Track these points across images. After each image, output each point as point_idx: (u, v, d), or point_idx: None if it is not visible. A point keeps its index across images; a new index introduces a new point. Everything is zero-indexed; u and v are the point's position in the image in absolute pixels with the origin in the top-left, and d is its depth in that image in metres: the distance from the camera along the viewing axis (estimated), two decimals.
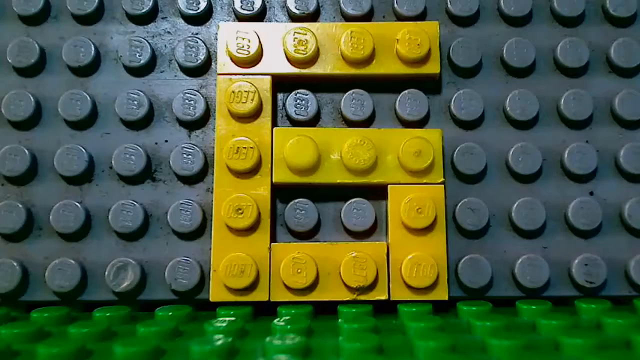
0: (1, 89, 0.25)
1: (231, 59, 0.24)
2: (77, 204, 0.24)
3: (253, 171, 0.24)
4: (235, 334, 0.20)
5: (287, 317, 0.22)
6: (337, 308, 0.23)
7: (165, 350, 0.19)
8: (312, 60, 0.24)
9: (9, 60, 0.25)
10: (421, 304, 0.23)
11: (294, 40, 0.24)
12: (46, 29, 0.25)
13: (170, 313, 0.23)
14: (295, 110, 0.25)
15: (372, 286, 0.23)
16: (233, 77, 0.24)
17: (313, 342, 0.20)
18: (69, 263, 0.23)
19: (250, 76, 0.24)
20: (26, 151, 0.24)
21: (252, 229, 0.23)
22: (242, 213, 0.23)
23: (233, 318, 0.22)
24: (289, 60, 0.24)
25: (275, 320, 0.21)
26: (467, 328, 0.21)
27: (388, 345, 0.19)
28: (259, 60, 0.24)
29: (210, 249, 0.23)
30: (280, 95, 0.25)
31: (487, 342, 0.19)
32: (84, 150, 0.24)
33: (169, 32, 0.26)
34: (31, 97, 0.24)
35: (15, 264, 0.24)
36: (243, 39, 0.24)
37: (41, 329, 0.21)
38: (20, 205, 0.24)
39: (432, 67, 0.24)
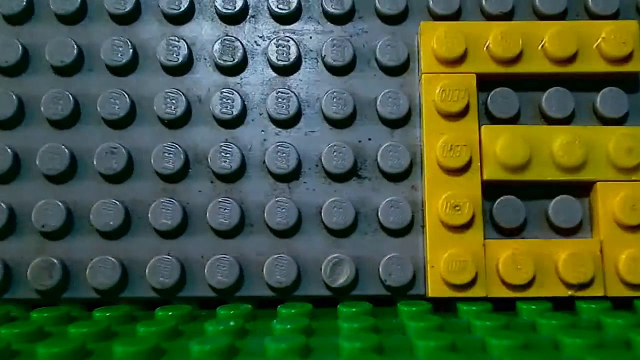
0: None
1: (436, 57, 0.24)
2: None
3: (464, 169, 0.24)
4: (235, 334, 0.20)
5: (287, 317, 0.22)
6: (337, 307, 0.23)
7: (165, 350, 0.19)
8: (516, 58, 0.24)
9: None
10: (421, 303, 0.23)
11: (499, 39, 0.24)
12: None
13: (170, 313, 0.23)
14: (497, 108, 0.25)
15: (589, 283, 0.23)
16: (438, 75, 0.24)
17: (313, 342, 0.20)
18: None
19: (456, 74, 0.24)
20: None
21: (467, 225, 0.23)
22: (459, 210, 0.23)
23: (233, 318, 0.22)
24: (493, 58, 0.24)
25: (275, 320, 0.21)
26: (467, 327, 0.21)
27: (388, 345, 0.19)
28: (464, 59, 0.25)
29: (419, 245, 0.24)
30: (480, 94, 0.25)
31: (487, 342, 0.19)
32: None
33: (366, 32, 0.26)
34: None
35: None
36: (449, 38, 0.24)
37: (41, 328, 0.21)
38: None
39: (635, 65, 0.25)
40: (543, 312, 0.22)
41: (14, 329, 0.20)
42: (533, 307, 0.23)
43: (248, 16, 0.26)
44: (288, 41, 0.25)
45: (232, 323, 0.21)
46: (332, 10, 0.26)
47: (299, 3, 0.26)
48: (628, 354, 0.19)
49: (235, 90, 0.25)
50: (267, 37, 0.26)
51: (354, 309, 0.23)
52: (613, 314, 0.21)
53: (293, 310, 0.23)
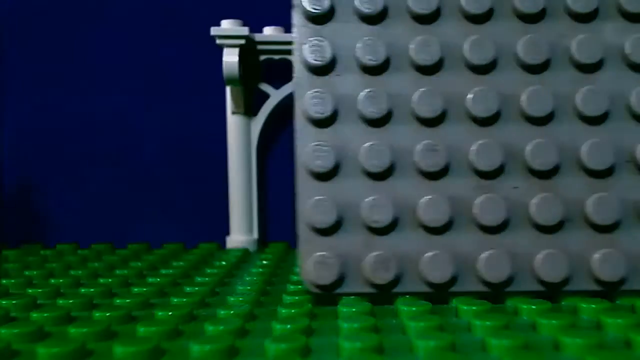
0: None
1: None
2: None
3: None
4: (235, 334, 0.20)
5: (287, 317, 0.22)
6: (337, 307, 0.23)
7: (165, 350, 0.19)
8: None
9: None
10: (421, 303, 0.23)
11: None
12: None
13: (170, 313, 0.23)
14: None
15: None
16: None
17: (313, 341, 0.20)
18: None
19: None
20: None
21: None
22: None
23: (233, 317, 0.22)
24: None
25: (275, 320, 0.21)
26: (467, 327, 0.21)
27: (388, 345, 0.19)
28: None
29: None
30: None
31: (487, 342, 0.19)
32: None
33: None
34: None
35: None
36: None
37: (41, 328, 0.21)
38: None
39: None
40: (543, 312, 0.22)
41: (14, 329, 0.20)
42: (533, 307, 0.23)
43: (546, 15, 0.26)
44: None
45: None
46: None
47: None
48: (628, 354, 0.19)
49: (544, 89, 0.25)
50: (568, 35, 0.26)
51: (354, 309, 0.23)
52: (613, 314, 0.21)
53: (293, 310, 0.23)
